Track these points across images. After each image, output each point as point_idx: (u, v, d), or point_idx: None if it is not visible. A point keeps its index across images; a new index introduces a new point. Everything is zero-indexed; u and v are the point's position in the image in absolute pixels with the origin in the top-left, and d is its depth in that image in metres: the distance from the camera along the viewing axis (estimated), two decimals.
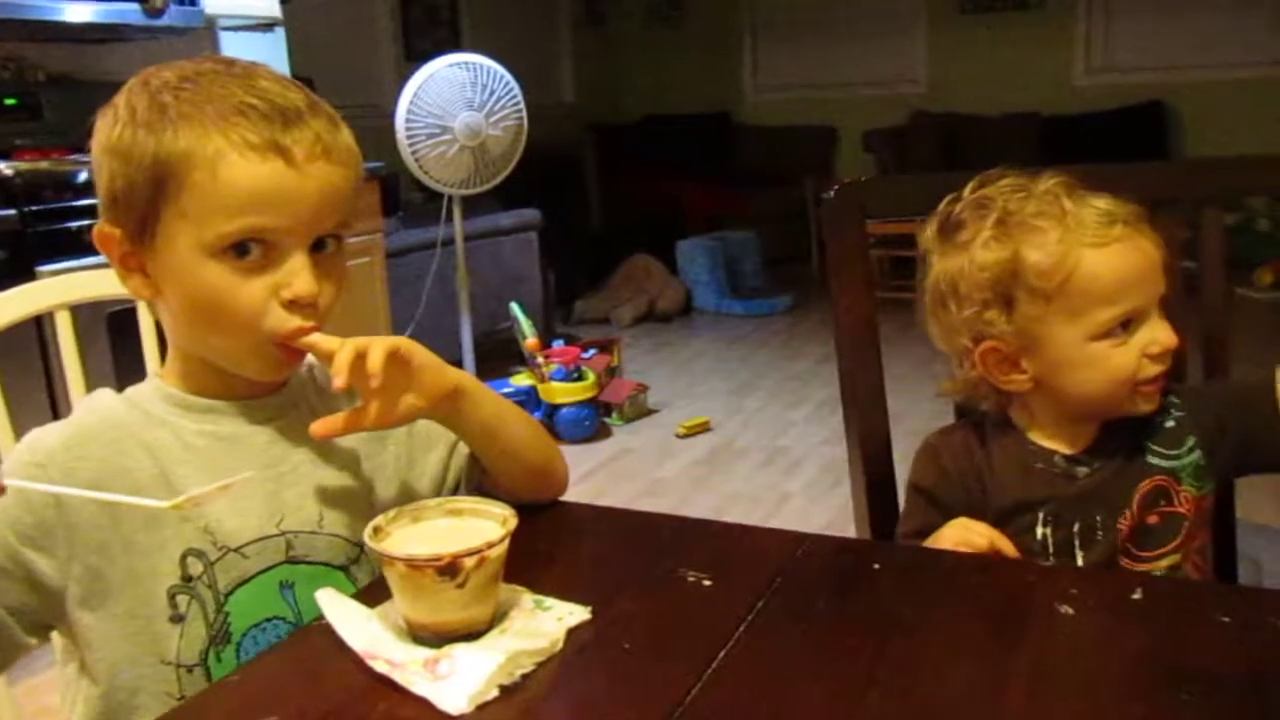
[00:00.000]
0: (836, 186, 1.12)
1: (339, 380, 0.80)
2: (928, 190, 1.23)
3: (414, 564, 0.72)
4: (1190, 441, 1.03)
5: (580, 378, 3.69)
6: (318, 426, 0.85)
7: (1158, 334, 0.98)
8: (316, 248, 0.84)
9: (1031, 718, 0.66)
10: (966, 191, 1.05)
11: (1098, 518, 1.01)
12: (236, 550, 0.85)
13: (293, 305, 0.82)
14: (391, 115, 3.43)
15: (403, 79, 3.49)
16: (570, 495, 1.02)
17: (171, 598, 0.83)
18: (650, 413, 3.97)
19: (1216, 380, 1.14)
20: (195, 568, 0.84)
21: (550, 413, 3.64)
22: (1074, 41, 6.54)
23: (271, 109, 0.80)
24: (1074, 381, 1.01)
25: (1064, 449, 1.04)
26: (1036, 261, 0.97)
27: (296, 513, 0.88)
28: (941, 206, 1.06)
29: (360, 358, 0.81)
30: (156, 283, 0.85)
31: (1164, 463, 1.02)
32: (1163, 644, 0.75)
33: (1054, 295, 0.97)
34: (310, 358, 0.87)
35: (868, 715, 0.67)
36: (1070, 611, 0.79)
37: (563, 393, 3.65)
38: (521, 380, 3.78)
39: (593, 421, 3.70)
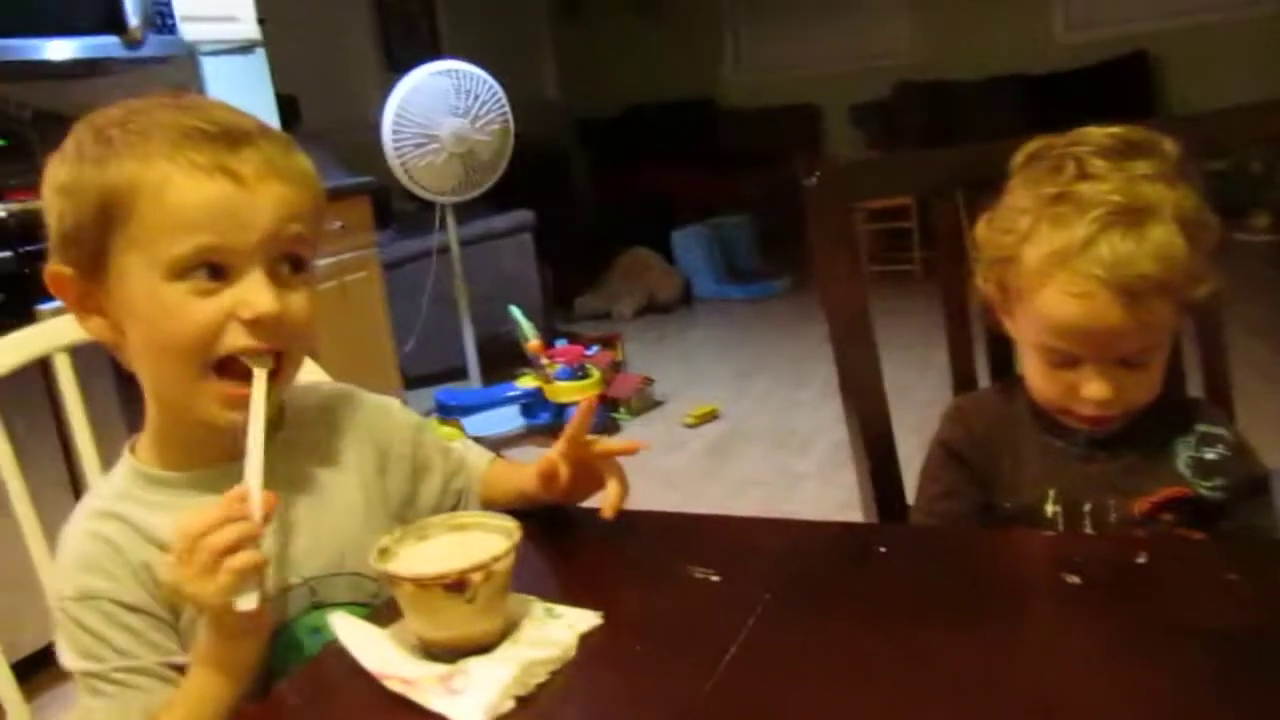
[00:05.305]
0: (818, 172, 1.11)
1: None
2: (910, 169, 1.24)
3: (421, 583, 0.73)
4: (1218, 481, 1.01)
5: (585, 375, 3.69)
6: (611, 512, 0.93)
7: (1090, 387, 0.96)
8: (281, 270, 0.81)
9: (1042, 689, 0.67)
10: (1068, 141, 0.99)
11: (1111, 501, 1.00)
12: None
13: (255, 325, 0.79)
14: (378, 128, 3.43)
15: (386, 91, 3.49)
16: None
17: None
18: (657, 405, 3.98)
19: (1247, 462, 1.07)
20: None
21: (558, 413, 3.65)
22: None
23: (219, 131, 0.78)
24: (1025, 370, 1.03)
25: (1087, 429, 1.02)
26: (1025, 259, 0.96)
27: (314, 559, 0.87)
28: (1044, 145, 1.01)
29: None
30: (115, 321, 0.82)
31: (1190, 479, 1.01)
32: (1168, 606, 0.76)
33: (1022, 295, 0.98)
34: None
35: (879, 700, 0.67)
36: (1077, 581, 0.79)
37: (569, 392, 3.65)
38: (526, 382, 3.78)
39: (601, 418, 3.70)
